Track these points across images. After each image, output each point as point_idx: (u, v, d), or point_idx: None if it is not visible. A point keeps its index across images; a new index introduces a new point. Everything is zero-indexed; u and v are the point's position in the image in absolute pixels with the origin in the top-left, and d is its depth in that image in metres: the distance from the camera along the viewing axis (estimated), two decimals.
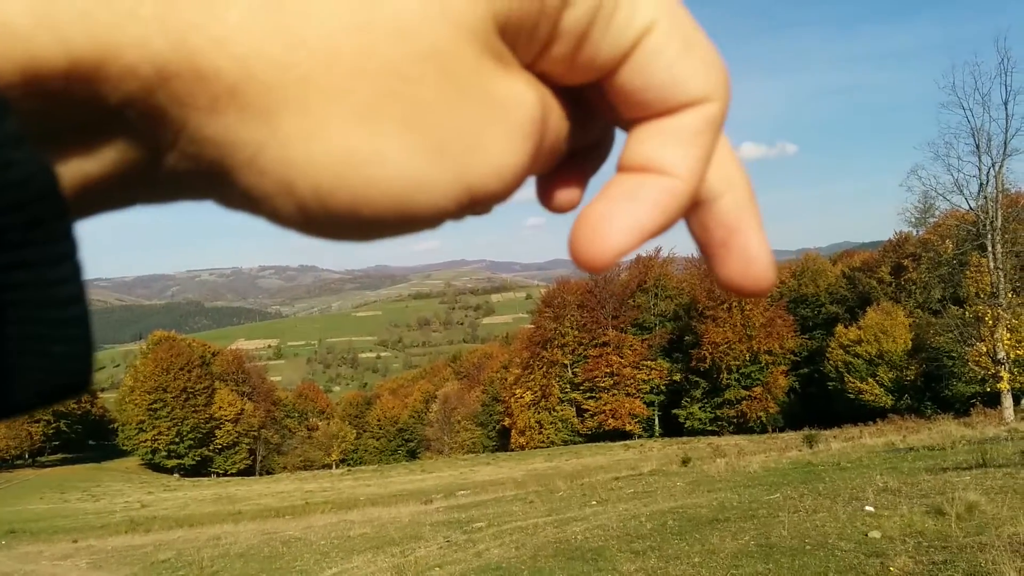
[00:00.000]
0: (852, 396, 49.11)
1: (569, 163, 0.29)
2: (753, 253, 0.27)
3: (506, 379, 65.86)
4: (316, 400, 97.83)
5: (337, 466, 71.43)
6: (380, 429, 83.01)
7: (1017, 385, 30.54)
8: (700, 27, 0.25)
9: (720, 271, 0.27)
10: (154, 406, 66.66)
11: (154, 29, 0.18)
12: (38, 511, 38.95)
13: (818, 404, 52.75)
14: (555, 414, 60.76)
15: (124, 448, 71.86)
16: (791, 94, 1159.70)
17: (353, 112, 0.20)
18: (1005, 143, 30.27)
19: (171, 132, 0.20)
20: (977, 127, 30.57)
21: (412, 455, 77.33)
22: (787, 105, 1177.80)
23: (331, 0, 0.19)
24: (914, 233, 51.32)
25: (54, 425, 72.51)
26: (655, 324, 61.26)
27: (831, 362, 51.76)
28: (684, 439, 50.94)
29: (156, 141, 0.20)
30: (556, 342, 61.45)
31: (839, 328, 52.55)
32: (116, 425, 75.00)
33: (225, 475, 69.23)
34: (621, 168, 0.26)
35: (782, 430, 46.94)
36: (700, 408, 57.61)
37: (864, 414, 43.35)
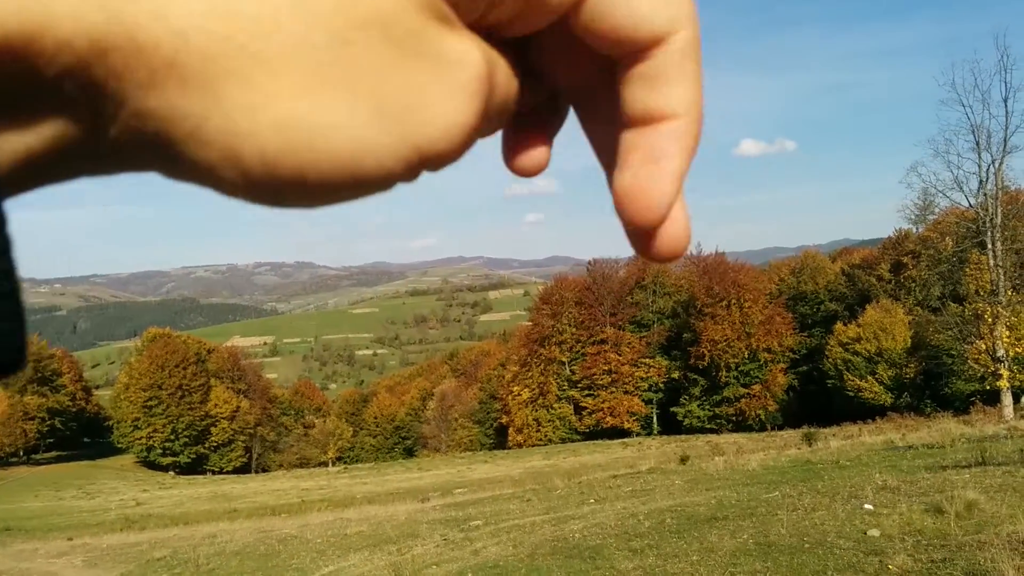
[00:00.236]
0: (851, 394, 49.13)
1: (530, 126, 0.29)
2: (664, 189, 0.26)
3: (504, 377, 65.85)
4: (312, 398, 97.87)
5: (333, 464, 71.38)
6: (377, 427, 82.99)
7: (1017, 383, 30.54)
8: None
9: (620, 184, 0.27)
10: (149, 403, 66.60)
11: (90, 2, 0.18)
12: (33, 509, 38.89)
13: (817, 402, 52.79)
14: (553, 412, 60.74)
15: (119, 446, 71.75)
16: (791, 91, 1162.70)
17: (297, 80, 0.20)
18: (1005, 140, 30.29)
19: (112, 105, 0.20)
20: (977, 124, 30.60)
21: (409, 453, 77.27)
22: (787, 102, 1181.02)
23: None
24: (914, 230, 51.33)
25: (49, 423, 72.42)
26: (653, 321, 61.24)
27: (830, 360, 51.77)
28: (682, 437, 50.94)
29: (97, 115, 0.20)
30: (554, 339, 61.43)
31: (838, 326, 52.56)
32: (111, 422, 74.88)
33: (221, 473, 69.16)
34: (627, 125, 0.26)
35: (781, 428, 46.94)
36: (699, 406, 57.63)
37: (863, 412, 43.38)
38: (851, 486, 10.25)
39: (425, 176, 0.24)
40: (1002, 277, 30.22)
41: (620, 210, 0.26)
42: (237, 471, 70.43)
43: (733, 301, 56.34)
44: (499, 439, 64.84)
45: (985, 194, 30.62)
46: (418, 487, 32.40)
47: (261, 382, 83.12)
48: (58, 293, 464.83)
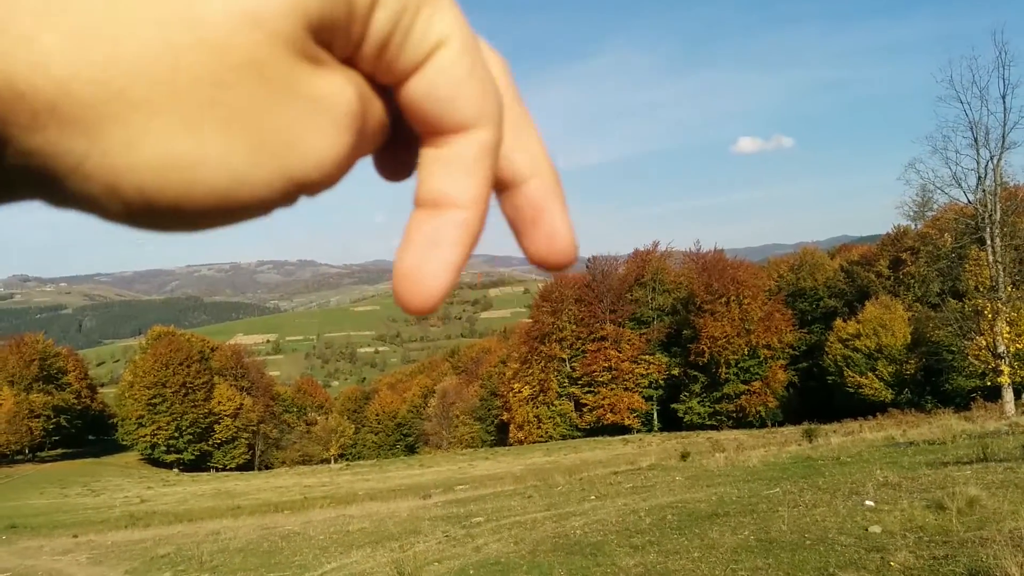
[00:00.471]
0: (851, 390, 49.09)
1: (398, 138, 0.30)
2: (557, 229, 0.30)
3: (504, 374, 65.90)
4: (315, 395, 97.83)
5: (336, 461, 71.44)
6: (378, 424, 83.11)
7: (1018, 379, 30.57)
8: (485, 61, 0.28)
9: (528, 246, 0.30)
10: (153, 401, 66.70)
11: None
12: (38, 506, 39.01)
13: (817, 398, 52.78)
14: (553, 408, 60.79)
15: (124, 443, 71.85)
16: (788, 88, 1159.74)
17: (174, 119, 0.21)
18: (1003, 137, 30.22)
19: None
20: (975, 121, 30.52)
21: (410, 450, 77.36)
22: (784, 99, 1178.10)
23: (145, 23, 0.21)
24: (913, 227, 51.34)
25: (54, 420, 72.48)
26: (653, 318, 61.23)
27: (830, 356, 51.73)
28: (683, 433, 50.99)
29: None
30: (554, 336, 61.45)
31: (838, 322, 52.49)
32: (116, 420, 75.07)
33: (224, 470, 69.29)
34: (417, 203, 0.28)
35: (781, 424, 46.91)
36: (699, 402, 57.64)
37: (864, 408, 43.38)
38: (852, 482, 10.28)
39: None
40: (1001, 273, 30.20)
41: (396, 290, 0.28)
42: (240, 468, 70.53)
43: (732, 298, 56.35)
44: (500, 436, 64.91)
45: (984, 190, 30.57)
46: (420, 484, 32.46)
47: (264, 380, 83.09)
48: (64, 292, 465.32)
